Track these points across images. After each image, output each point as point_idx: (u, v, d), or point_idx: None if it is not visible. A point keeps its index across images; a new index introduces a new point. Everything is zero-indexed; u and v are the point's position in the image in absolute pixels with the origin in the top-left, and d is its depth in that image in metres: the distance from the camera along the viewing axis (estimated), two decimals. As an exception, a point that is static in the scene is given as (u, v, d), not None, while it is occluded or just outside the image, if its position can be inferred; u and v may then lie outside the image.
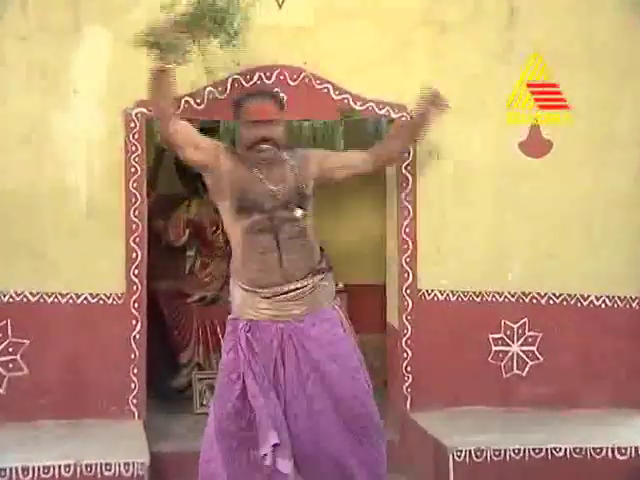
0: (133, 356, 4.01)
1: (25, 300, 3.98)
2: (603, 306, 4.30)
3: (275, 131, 3.25)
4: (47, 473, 3.49)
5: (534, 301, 4.25)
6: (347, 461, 3.18)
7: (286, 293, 3.20)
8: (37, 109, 3.98)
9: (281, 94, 3.57)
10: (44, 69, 3.97)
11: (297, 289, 3.20)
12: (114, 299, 4.02)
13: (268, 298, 3.21)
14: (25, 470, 3.47)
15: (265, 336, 3.21)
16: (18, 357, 3.98)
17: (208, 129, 4.99)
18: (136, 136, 3.97)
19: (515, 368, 4.24)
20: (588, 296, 4.30)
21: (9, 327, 3.96)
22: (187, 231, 5.11)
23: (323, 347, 3.20)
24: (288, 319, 3.21)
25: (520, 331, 4.24)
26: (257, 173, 3.25)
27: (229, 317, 3.32)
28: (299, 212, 3.22)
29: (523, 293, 4.25)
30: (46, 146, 3.99)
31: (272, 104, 3.30)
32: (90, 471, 3.50)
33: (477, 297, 4.22)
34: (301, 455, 3.20)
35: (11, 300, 3.96)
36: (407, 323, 4.18)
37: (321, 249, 3.35)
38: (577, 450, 3.79)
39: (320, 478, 3.23)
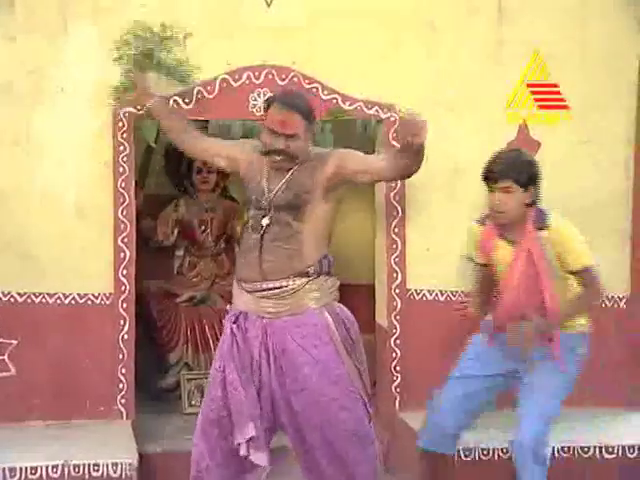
0: (121, 356, 4.00)
1: (12, 300, 3.96)
2: (591, 306, 4.32)
3: (293, 145, 3.15)
4: (34, 474, 3.48)
5: (522, 301, 4.26)
6: (319, 460, 3.19)
7: (264, 290, 3.20)
8: (25, 109, 3.96)
9: (312, 108, 3.22)
10: (32, 69, 3.96)
11: (275, 288, 3.19)
12: (102, 299, 4.01)
13: (249, 292, 3.24)
14: (12, 471, 3.46)
15: (250, 328, 3.22)
16: (5, 357, 3.96)
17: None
18: (124, 136, 3.96)
19: (504, 367, 4.24)
20: (576, 295, 4.31)
21: (-4, 327, 3.95)
22: (175, 231, 5.10)
23: (306, 350, 3.19)
24: (267, 316, 3.21)
25: (509, 330, 4.25)
26: (265, 171, 3.24)
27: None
28: (266, 221, 3.18)
29: (512, 293, 4.25)
30: (34, 146, 3.98)
31: (298, 117, 3.14)
32: (78, 472, 3.50)
33: (466, 297, 4.22)
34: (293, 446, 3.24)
35: (-2, 300, 3.96)
36: (396, 323, 4.19)
37: (325, 255, 3.28)
38: (565, 449, 3.80)
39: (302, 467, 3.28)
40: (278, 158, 3.17)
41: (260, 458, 3.16)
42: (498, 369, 3.36)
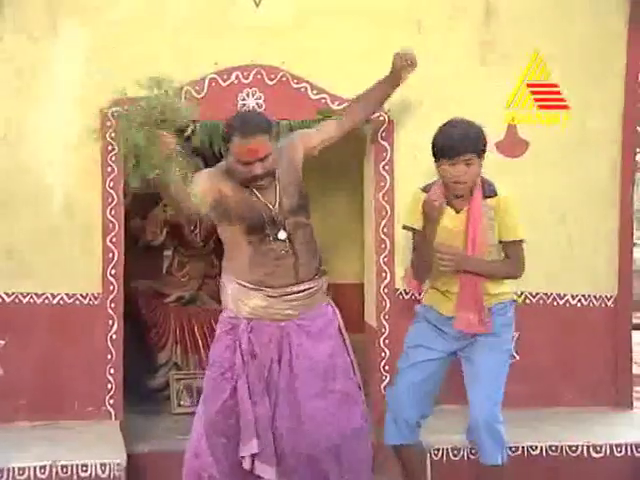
0: (110, 356, 3.99)
1: (0, 300, 3.95)
2: (579, 305, 4.33)
3: (268, 163, 3.16)
4: (22, 474, 3.47)
5: (511, 300, 4.27)
6: (325, 462, 3.20)
7: (295, 293, 3.24)
8: (14, 109, 3.96)
9: (269, 119, 3.25)
10: (20, 69, 3.95)
11: (305, 290, 3.25)
12: (91, 299, 4.00)
13: (274, 297, 3.23)
14: (0, 472, 3.45)
15: (264, 335, 3.23)
16: (-7, 358, 3.96)
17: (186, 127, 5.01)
18: (113, 135, 3.95)
19: (492, 367, 4.25)
20: (564, 295, 4.32)
21: (-16, 328, 3.94)
22: (164, 230, 5.09)
23: (323, 341, 3.25)
24: (286, 318, 3.24)
25: (497, 330, 4.25)
26: (254, 193, 3.23)
27: (225, 314, 3.31)
28: (283, 234, 3.21)
29: (500, 292, 4.26)
30: (23, 146, 3.97)
31: (264, 137, 3.13)
32: (66, 472, 3.49)
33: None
34: (282, 453, 3.22)
35: (-14, 300, 3.94)
36: (385, 322, 4.19)
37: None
38: (553, 448, 3.81)
39: (296, 476, 3.26)
40: (261, 182, 3.18)
41: (266, 471, 3.16)
42: (442, 350, 3.41)
